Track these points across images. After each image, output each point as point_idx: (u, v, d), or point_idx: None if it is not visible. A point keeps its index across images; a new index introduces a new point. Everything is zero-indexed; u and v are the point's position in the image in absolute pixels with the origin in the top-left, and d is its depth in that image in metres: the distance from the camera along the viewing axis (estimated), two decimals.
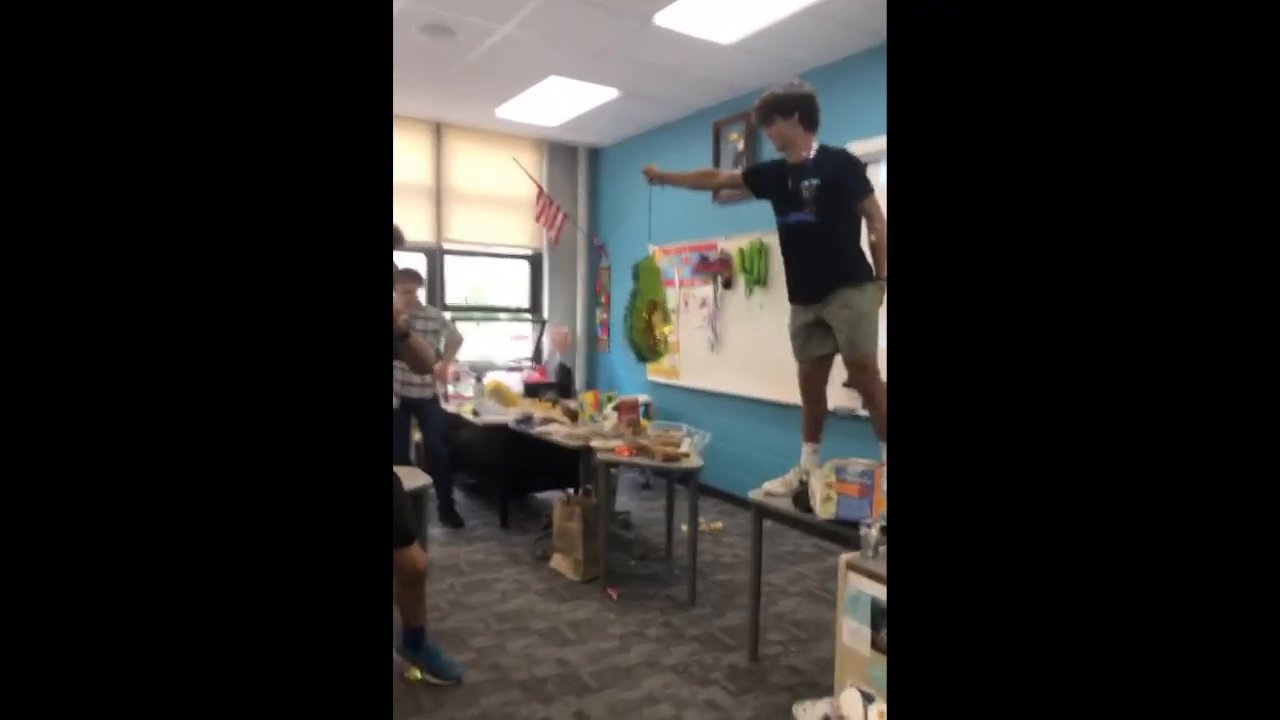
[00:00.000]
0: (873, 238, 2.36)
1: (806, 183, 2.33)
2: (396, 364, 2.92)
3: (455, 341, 4.04)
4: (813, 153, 2.36)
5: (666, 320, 3.20)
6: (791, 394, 2.74)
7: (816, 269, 2.37)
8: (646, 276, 3.14)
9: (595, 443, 3.27)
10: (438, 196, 5.35)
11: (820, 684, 2.31)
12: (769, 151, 2.67)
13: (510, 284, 5.96)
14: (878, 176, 3.55)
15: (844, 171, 2.32)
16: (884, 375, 2.37)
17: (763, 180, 2.52)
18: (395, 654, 2.35)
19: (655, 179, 2.73)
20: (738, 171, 2.69)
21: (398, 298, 3.61)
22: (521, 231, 5.75)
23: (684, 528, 3.27)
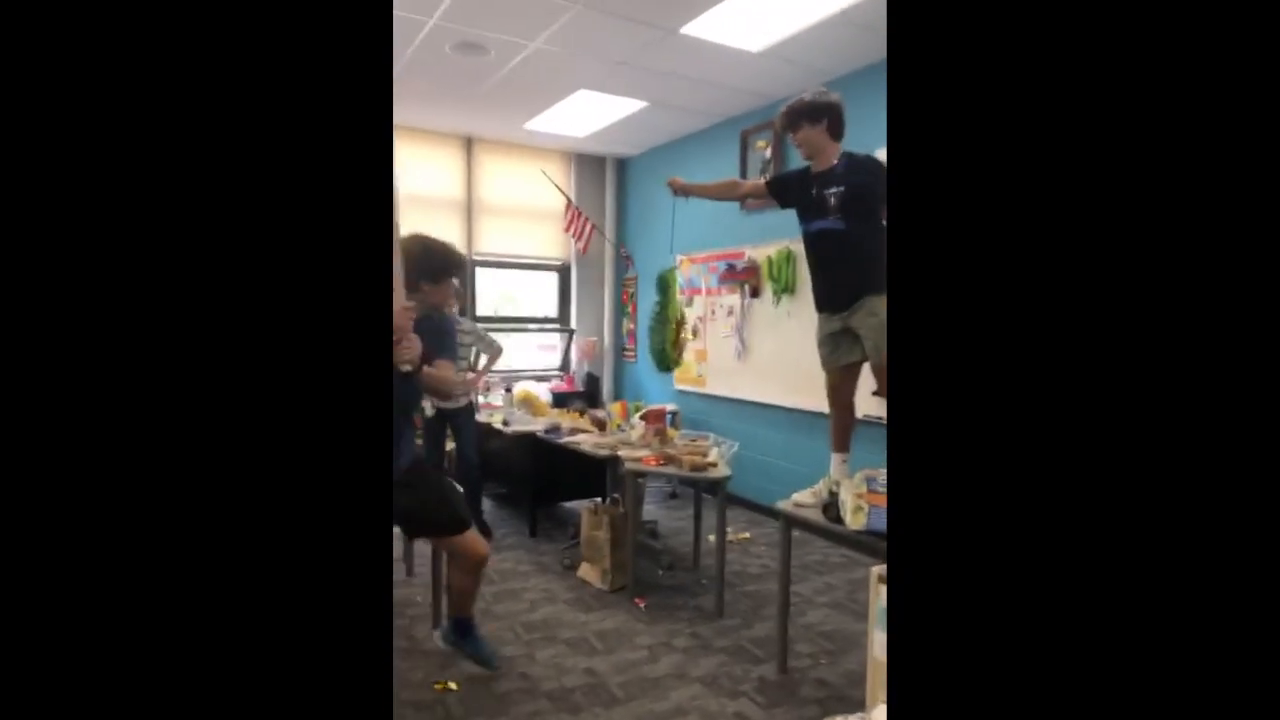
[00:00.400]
0: None
1: (831, 190, 2.33)
2: None
3: (495, 353, 4.09)
4: (837, 160, 2.36)
5: (690, 332, 3.19)
6: (819, 402, 2.72)
7: (842, 277, 2.37)
8: (672, 288, 3.13)
9: (623, 452, 3.27)
10: (469, 209, 5.44)
11: (850, 698, 2.28)
12: (796, 159, 2.67)
13: (539, 294, 6.02)
14: None
15: (871, 179, 2.31)
16: None
17: (786, 189, 2.53)
18: (440, 641, 2.46)
19: (680, 191, 2.74)
20: (761, 181, 2.70)
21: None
22: (550, 243, 5.81)
23: (711, 538, 3.26)
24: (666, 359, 2.88)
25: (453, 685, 2.33)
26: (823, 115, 2.34)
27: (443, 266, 2.27)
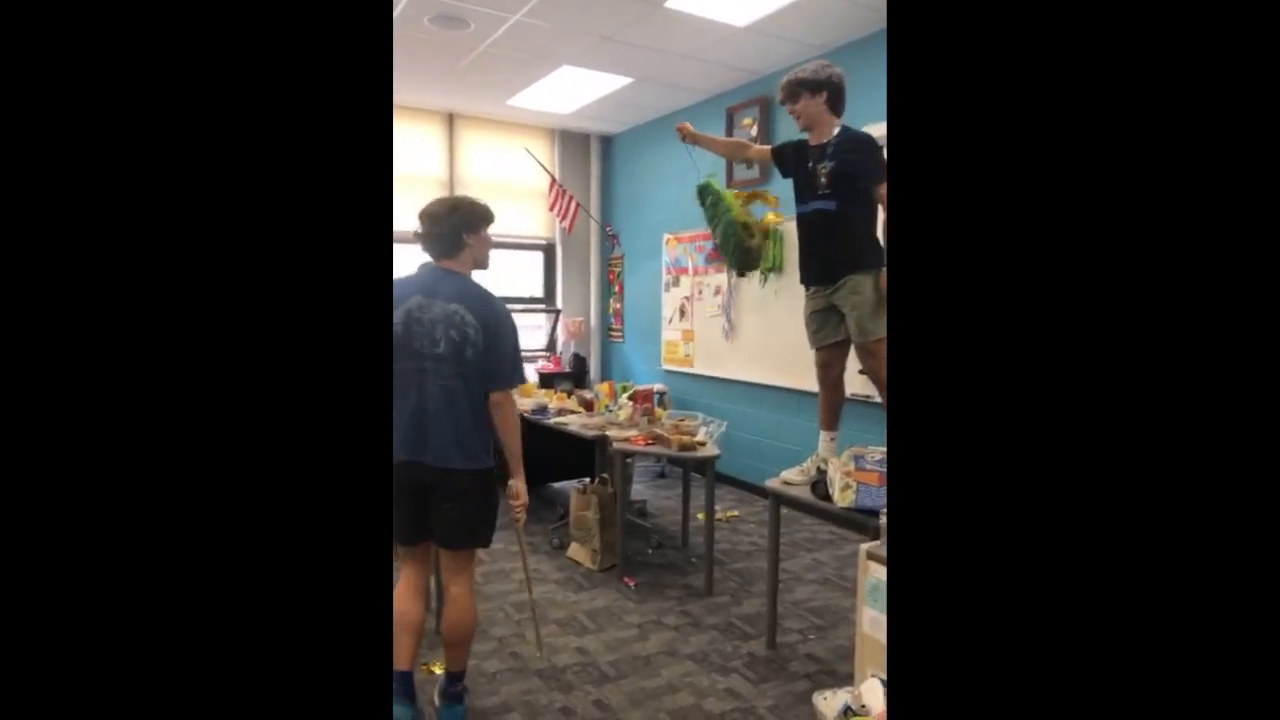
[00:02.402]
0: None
1: (823, 165, 2.32)
2: None
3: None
4: (833, 135, 2.34)
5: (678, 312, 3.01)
6: (806, 381, 2.72)
7: (829, 254, 2.36)
8: (723, 196, 2.76)
9: (611, 432, 3.27)
10: (451, 187, 5.35)
11: (839, 672, 2.31)
12: (782, 136, 2.65)
13: (524, 274, 5.95)
14: None
15: (857, 156, 2.29)
16: None
17: (786, 159, 2.51)
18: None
19: (689, 138, 2.67)
20: (767, 147, 2.66)
21: None
22: (535, 221, 5.74)
23: (700, 516, 3.27)
24: (750, 257, 2.44)
25: (437, 669, 2.33)
26: (823, 88, 2.32)
27: (483, 215, 2.22)
